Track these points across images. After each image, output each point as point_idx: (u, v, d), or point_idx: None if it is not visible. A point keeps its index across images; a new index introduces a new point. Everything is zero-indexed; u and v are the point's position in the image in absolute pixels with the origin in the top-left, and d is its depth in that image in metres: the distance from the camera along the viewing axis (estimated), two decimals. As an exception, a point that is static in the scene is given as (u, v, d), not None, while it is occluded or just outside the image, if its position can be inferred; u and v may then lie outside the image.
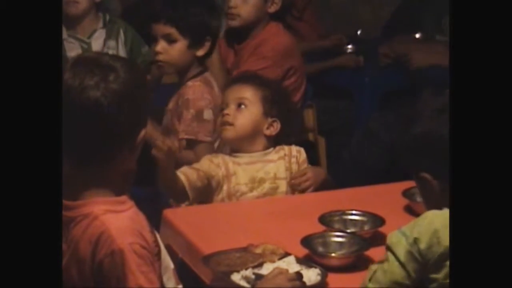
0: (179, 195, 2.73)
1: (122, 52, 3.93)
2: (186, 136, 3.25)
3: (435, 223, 1.91)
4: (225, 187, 2.83)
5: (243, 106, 2.88)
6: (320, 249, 2.28)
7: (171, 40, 3.31)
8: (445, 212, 1.90)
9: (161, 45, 3.31)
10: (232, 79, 3.15)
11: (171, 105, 3.36)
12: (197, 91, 3.26)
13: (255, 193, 2.84)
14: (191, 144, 3.25)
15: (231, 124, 2.86)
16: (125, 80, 1.83)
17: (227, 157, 2.87)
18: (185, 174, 2.73)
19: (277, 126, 2.90)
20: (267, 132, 2.89)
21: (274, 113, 2.91)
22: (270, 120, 2.90)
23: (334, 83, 4.66)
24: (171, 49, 3.31)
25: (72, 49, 3.88)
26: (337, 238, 2.33)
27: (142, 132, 1.85)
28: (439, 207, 1.96)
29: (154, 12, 3.43)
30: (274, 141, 2.93)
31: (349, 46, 4.89)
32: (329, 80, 4.63)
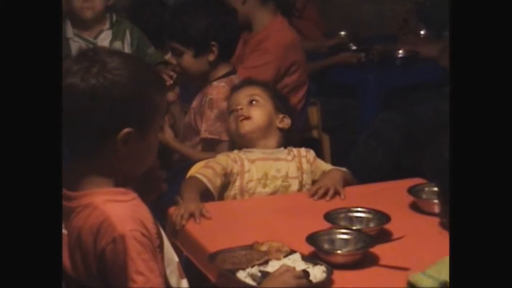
0: (204, 197, 2.73)
1: (127, 53, 3.95)
2: (209, 136, 3.26)
3: None
4: (237, 183, 2.84)
5: (254, 102, 2.94)
6: (326, 246, 2.28)
7: (177, 54, 3.36)
8: None
9: (173, 58, 3.40)
10: (236, 85, 3.16)
11: (194, 103, 3.38)
12: (221, 92, 3.28)
13: (267, 189, 2.84)
14: (213, 143, 3.25)
15: (248, 118, 2.91)
16: (110, 76, 1.81)
17: (241, 154, 2.88)
18: (206, 176, 2.75)
19: (287, 122, 2.96)
20: (280, 125, 2.95)
21: (283, 109, 2.98)
22: (281, 115, 2.96)
23: (338, 81, 4.67)
24: (181, 61, 3.37)
25: (77, 49, 3.89)
26: (342, 235, 2.32)
27: (124, 131, 1.83)
28: None
29: (159, 28, 3.49)
30: (286, 137, 2.96)
31: (351, 44, 4.91)
32: (333, 77, 4.65)
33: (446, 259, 1.87)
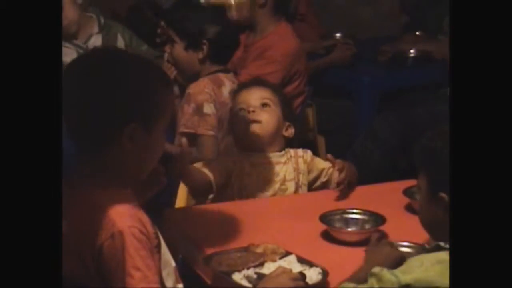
0: (204, 190, 2.71)
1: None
2: (185, 130, 3.28)
3: (430, 271, 1.82)
4: (236, 186, 2.83)
5: (266, 106, 2.90)
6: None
7: (171, 42, 3.41)
8: (439, 256, 1.83)
9: (167, 46, 3.44)
10: (246, 82, 3.16)
11: (182, 101, 3.39)
12: (198, 86, 3.32)
13: (266, 193, 2.84)
14: (193, 138, 3.26)
15: (258, 121, 2.87)
16: (117, 74, 1.84)
17: (242, 156, 2.87)
18: (209, 169, 2.72)
19: (292, 131, 2.94)
20: (286, 134, 2.93)
21: (289, 116, 2.96)
22: (287, 124, 2.94)
23: (334, 83, 4.66)
24: (173, 50, 3.41)
25: (68, 54, 3.86)
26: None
27: (130, 126, 1.85)
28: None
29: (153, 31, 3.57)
30: (288, 145, 2.94)
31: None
32: (329, 79, 4.64)
33: (415, 260, 1.86)
